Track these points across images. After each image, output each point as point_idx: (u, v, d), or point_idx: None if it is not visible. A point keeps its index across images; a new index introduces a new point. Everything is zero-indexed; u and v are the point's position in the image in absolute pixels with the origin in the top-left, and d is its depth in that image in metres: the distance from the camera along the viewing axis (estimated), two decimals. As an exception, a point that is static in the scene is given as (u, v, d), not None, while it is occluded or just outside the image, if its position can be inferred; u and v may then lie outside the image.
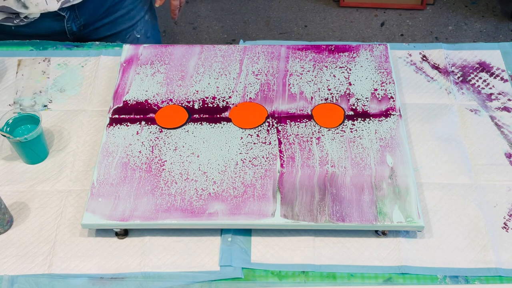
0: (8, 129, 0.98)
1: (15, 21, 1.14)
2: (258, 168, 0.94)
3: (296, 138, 0.98)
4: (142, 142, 0.98)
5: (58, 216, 0.93)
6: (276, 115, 1.02)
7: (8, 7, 1.10)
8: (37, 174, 0.99)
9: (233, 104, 1.04)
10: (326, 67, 1.10)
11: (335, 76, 1.08)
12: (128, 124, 1.01)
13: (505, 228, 0.91)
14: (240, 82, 1.07)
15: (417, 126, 1.04)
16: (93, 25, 1.24)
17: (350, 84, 1.06)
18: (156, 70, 1.09)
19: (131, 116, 1.02)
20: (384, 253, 0.88)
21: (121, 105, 1.04)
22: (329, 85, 1.06)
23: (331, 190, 0.90)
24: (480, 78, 1.12)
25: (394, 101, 1.03)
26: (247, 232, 0.91)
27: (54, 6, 1.12)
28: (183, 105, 1.03)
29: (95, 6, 1.21)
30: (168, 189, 0.91)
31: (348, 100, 1.04)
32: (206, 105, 1.03)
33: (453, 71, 1.14)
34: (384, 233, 0.90)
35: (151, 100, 1.04)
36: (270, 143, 0.97)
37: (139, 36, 1.32)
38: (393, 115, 1.01)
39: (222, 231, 0.91)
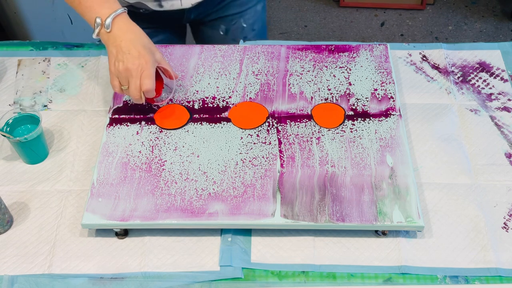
0: (8, 129, 0.98)
1: (141, 10, 1.15)
2: (258, 168, 0.94)
3: (296, 138, 0.98)
4: (142, 142, 0.98)
5: (58, 216, 0.93)
6: (276, 115, 1.02)
7: (143, 3, 1.11)
8: (37, 174, 0.99)
9: (233, 104, 1.04)
10: (326, 67, 1.10)
11: (335, 76, 1.08)
12: (128, 124, 1.01)
13: (505, 228, 0.91)
14: (240, 82, 1.07)
15: (417, 126, 1.04)
16: (207, 13, 1.22)
17: (350, 84, 1.06)
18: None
19: (131, 116, 1.02)
20: (384, 253, 0.88)
21: (121, 105, 1.04)
22: (329, 85, 1.06)
23: (331, 190, 0.90)
24: (480, 78, 1.12)
25: (394, 101, 1.03)
26: (247, 232, 0.91)
27: (187, 4, 1.13)
28: (183, 104, 1.03)
29: None
30: (168, 189, 0.91)
31: (348, 100, 1.04)
32: (206, 105, 1.03)
33: (453, 71, 1.14)
34: (384, 233, 0.90)
35: (151, 100, 1.05)
36: (270, 143, 0.97)
37: (245, 25, 1.26)
38: (393, 115, 1.01)
39: (222, 231, 0.91)
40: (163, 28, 1.23)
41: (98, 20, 0.92)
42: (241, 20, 1.25)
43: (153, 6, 1.12)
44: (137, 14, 1.13)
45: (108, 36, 0.93)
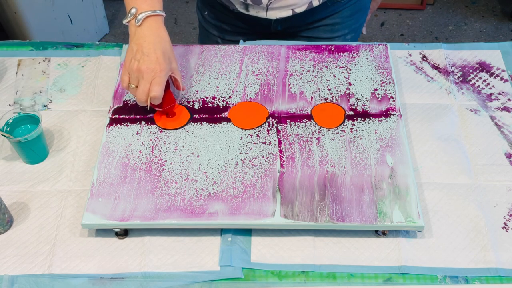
0: (8, 129, 0.98)
1: (231, 8, 1.16)
2: (258, 168, 0.94)
3: (296, 138, 0.98)
4: (142, 142, 0.98)
5: (58, 216, 0.93)
6: (276, 115, 1.02)
7: (231, 2, 1.14)
8: (37, 174, 0.99)
9: (233, 104, 1.04)
10: (326, 67, 1.10)
11: (335, 76, 1.08)
12: (128, 124, 1.01)
13: (505, 228, 0.91)
14: (240, 82, 1.07)
15: (417, 126, 1.04)
16: (296, 28, 1.21)
17: (350, 84, 1.06)
18: (156, 70, 1.09)
19: (131, 116, 1.02)
20: (384, 253, 0.88)
21: (121, 105, 1.04)
22: (329, 85, 1.06)
23: (331, 190, 0.90)
24: (480, 78, 1.12)
25: (394, 101, 1.03)
26: (247, 232, 0.91)
27: (272, 16, 1.13)
28: (183, 104, 1.03)
29: (306, 16, 1.17)
30: (168, 189, 0.91)
31: (348, 100, 1.04)
32: (206, 105, 1.03)
33: (453, 71, 1.14)
34: (384, 233, 0.90)
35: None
36: (270, 143, 0.97)
37: None
38: (393, 115, 1.01)
39: (222, 231, 0.91)
40: (252, 31, 1.23)
41: (133, 11, 0.93)
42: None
43: (240, 8, 1.14)
44: (230, 12, 1.17)
45: (135, 30, 0.93)
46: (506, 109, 1.07)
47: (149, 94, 0.92)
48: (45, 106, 1.09)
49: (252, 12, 1.13)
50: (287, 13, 1.12)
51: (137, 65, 0.91)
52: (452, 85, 1.11)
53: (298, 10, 1.12)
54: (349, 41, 1.26)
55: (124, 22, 0.95)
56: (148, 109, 0.98)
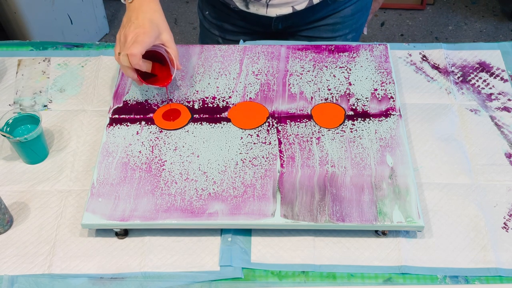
0: (8, 129, 0.98)
1: (231, 6, 1.16)
2: (258, 168, 0.94)
3: (296, 138, 0.98)
4: (142, 142, 0.98)
5: (58, 216, 0.93)
6: (276, 115, 1.02)
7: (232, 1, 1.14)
8: (37, 174, 0.99)
9: (233, 104, 1.04)
10: (326, 67, 1.10)
11: (335, 76, 1.08)
12: (128, 124, 1.01)
13: (505, 228, 0.91)
14: (240, 82, 1.07)
15: (417, 126, 1.04)
16: (297, 27, 1.22)
17: (350, 84, 1.06)
18: (156, 70, 1.09)
19: (131, 116, 1.02)
20: (384, 253, 0.88)
21: (121, 105, 1.04)
22: (329, 85, 1.06)
23: (331, 190, 0.90)
24: (480, 78, 1.12)
25: (394, 101, 1.03)
26: (247, 232, 0.91)
27: (272, 14, 1.13)
28: (183, 104, 1.03)
29: (307, 14, 1.18)
30: (168, 189, 0.91)
31: (348, 100, 1.04)
32: (206, 105, 1.04)
33: (453, 71, 1.14)
34: (384, 233, 0.90)
35: (151, 100, 1.05)
36: (270, 143, 0.97)
37: None
38: (393, 115, 1.01)
39: (222, 231, 0.91)
40: (253, 30, 1.23)
41: None
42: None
43: (240, 5, 1.13)
44: (231, 10, 1.17)
45: (127, 6, 0.95)
46: (506, 109, 1.07)
47: (127, 53, 0.90)
48: (45, 106, 1.09)
49: (252, 9, 1.13)
50: (287, 10, 1.12)
51: (123, 32, 0.92)
52: (452, 85, 1.11)
53: (298, 7, 1.12)
54: (350, 41, 1.26)
55: (122, 0, 0.97)
56: (139, 84, 0.96)
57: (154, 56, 0.97)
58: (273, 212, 0.88)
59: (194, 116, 1.02)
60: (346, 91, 1.05)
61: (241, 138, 0.98)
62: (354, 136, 0.98)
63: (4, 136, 0.95)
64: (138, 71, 0.95)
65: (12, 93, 1.12)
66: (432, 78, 1.13)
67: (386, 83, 1.06)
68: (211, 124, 1.00)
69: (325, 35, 1.22)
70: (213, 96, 1.05)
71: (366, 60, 1.11)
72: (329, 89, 1.06)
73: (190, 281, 0.86)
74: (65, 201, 0.95)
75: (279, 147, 0.97)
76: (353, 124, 1.00)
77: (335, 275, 0.86)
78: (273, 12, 1.13)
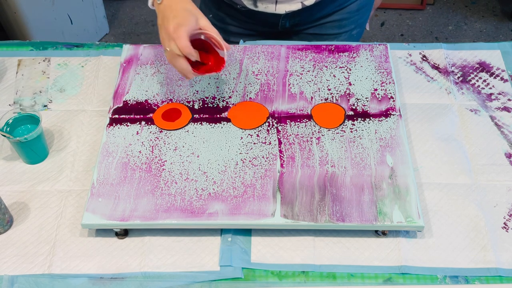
0: (8, 129, 0.98)
1: (238, 6, 1.16)
2: (258, 168, 0.94)
3: (296, 138, 0.98)
4: (142, 142, 0.98)
5: (58, 216, 0.93)
6: (276, 115, 1.02)
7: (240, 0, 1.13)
8: (37, 174, 0.99)
9: (233, 104, 1.04)
10: (326, 67, 1.10)
11: (335, 76, 1.08)
12: (128, 124, 1.01)
13: (505, 228, 0.91)
14: (240, 82, 1.07)
15: (417, 126, 1.04)
16: (304, 25, 1.22)
17: (350, 84, 1.06)
18: (156, 70, 1.09)
19: (131, 116, 1.02)
20: (384, 253, 0.88)
21: (121, 105, 1.04)
22: (329, 85, 1.06)
23: (331, 190, 0.90)
24: (480, 78, 1.12)
25: (394, 101, 1.03)
26: (247, 232, 0.91)
27: (281, 11, 1.13)
28: (183, 104, 1.03)
29: (315, 10, 1.18)
30: (168, 189, 0.91)
31: (348, 100, 1.04)
32: (206, 105, 1.03)
33: (453, 71, 1.14)
34: (384, 233, 0.90)
35: (151, 100, 1.05)
36: (270, 143, 0.97)
37: None
38: (393, 115, 1.01)
39: (222, 231, 0.91)
40: (258, 32, 1.23)
41: None
42: (334, 41, 1.23)
43: (248, 4, 1.13)
44: (237, 11, 1.17)
45: (158, 8, 0.95)
46: (506, 109, 1.07)
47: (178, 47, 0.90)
48: (45, 106, 1.09)
49: (261, 7, 1.13)
50: (296, 6, 1.12)
51: (164, 28, 0.92)
52: (452, 85, 1.11)
53: (307, 2, 1.12)
54: (355, 36, 1.27)
55: (149, 5, 0.96)
56: (191, 72, 0.93)
57: (196, 47, 0.96)
58: (273, 212, 0.88)
59: (194, 116, 1.02)
60: (346, 91, 1.05)
61: (241, 138, 0.98)
62: (354, 136, 0.98)
63: (4, 136, 0.95)
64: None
65: (12, 93, 1.12)
66: (432, 78, 1.13)
67: (386, 83, 1.06)
68: (211, 124, 1.00)
69: (331, 31, 1.22)
70: (213, 96, 1.05)
71: (366, 60, 1.11)
72: (329, 89, 1.06)
73: (190, 281, 0.86)
74: (65, 201, 0.95)
75: (279, 147, 0.97)
76: (353, 124, 1.00)
77: (335, 275, 0.86)
78: (282, 8, 1.12)
